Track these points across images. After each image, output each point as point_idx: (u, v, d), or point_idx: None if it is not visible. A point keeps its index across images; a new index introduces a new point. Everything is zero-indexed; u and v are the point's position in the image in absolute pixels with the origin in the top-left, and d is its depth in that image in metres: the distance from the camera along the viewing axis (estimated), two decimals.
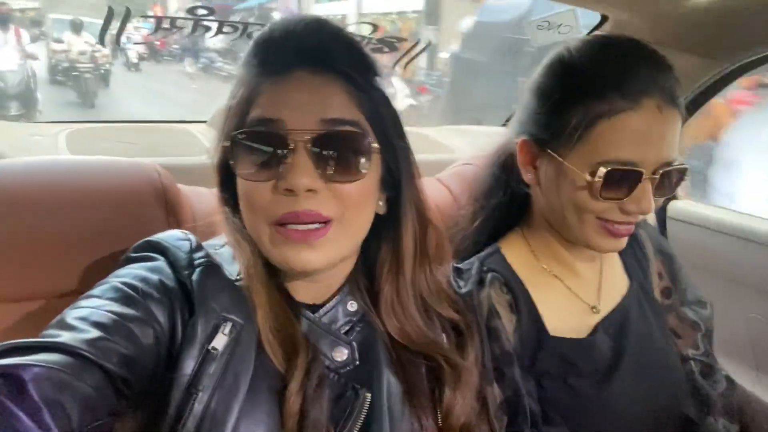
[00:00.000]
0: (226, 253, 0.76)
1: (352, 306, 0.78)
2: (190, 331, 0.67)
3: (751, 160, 3.50)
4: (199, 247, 0.75)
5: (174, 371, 0.66)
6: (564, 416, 0.91)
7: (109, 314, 0.62)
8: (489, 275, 0.95)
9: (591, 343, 0.96)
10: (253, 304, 0.71)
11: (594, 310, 0.99)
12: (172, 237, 0.76)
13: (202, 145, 1.56)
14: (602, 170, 0.84)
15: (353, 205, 0.70)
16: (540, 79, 0.94)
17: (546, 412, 0.91)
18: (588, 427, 0.92)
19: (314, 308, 0.77)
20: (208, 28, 1.14)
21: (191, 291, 0.69)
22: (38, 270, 0.89)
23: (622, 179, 0.85)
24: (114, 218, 0.92)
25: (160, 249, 0.74)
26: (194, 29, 1.13)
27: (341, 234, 0.70)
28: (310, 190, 0.67)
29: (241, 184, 0.71)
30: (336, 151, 0.68)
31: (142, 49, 12.49)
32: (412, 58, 1.26)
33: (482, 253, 1.01)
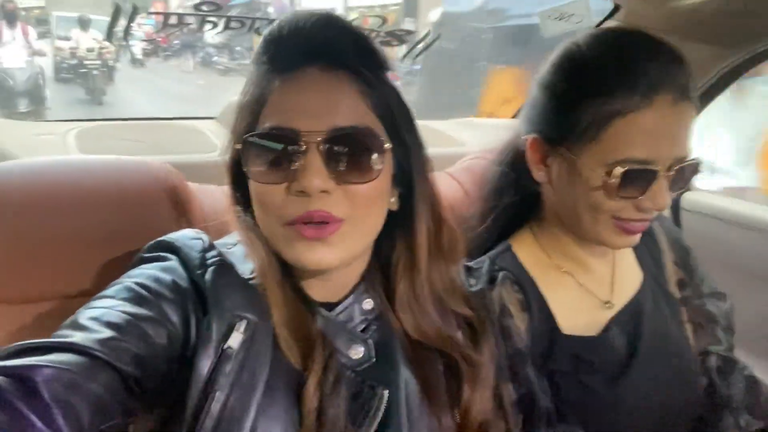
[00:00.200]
0: (238, 252, 0.76)
1: (368, 304, 0.78)
2: (205, 331, 0.67)
3: None
4: (211, 247, 0.74)
5: (190, 371, 0.66)
6: (578, 413, 0.91)
7: (122, 314, 0.62)
8: (500, 274, 0.95)
9: (604, 340, 0.95)
10: (268, 303, 0.70)
11: (607, 305, 0.98)
12: (184, 236, 0.76)
13: (211, 141, 1.55)
14: (619, 170, 0.83)
15: (365, 205, 0.70)
16: (549, 76, 0.92)
17: (560, 410, 0.90)
18: (602, 424, 0.91)
19: (329, 306, 0.76)
20: (215, 24, 1.13)
21: (204, 290, 0.69)
22: (50, 271, 0.89)
23: (639, 178, 0.84)
24: (124, 218, 0.92)
25: (173, 249, 0.74)
26: (201, 25, 1.13)
27: (353, 232, 0.70)
28: (323, 191, 0.66)
29: (253, 185, 0.71)
30: (348, 152, 0.67)
31: (144, 45, 12.57)
32: (422, 51, 1.25)
33: (493, 252, 1.00)
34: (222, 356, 0.66)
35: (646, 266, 1.04)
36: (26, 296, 0.88)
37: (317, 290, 0.76)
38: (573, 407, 0.91)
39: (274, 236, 0.71)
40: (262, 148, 0.68)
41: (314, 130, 0.66)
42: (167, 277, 0.69)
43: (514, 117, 1.71)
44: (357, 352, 0.74)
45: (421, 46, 1.28)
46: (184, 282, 0.70)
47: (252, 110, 0.71)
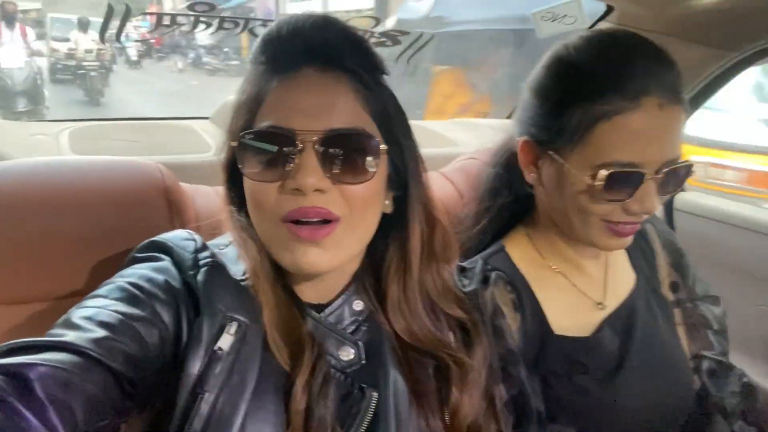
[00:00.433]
0: (230, 253, 0.76)
1: (358, 305, 0.78)
2: (196, 332, 0.67)
3: None
4: (204, 247, 0.75)
5: (180, 371, 0.66)
6: (569, 414, 0.91)
7: (115, 314, 0.63)
8: (493, 274, 0.95)
9: (596, 342, 0.95)
10: (259, 304, 0.71)
11: (600, 306, 0.98)
12: (177, 237, 0.76)
13: (205, 141, 1.55)
14: (603, 173, 0.82)
15: (361, 205, 0.70)
16: (539, 79, 0.93)
17: (552, 411, 0.90)
18: (594, 425, 0.92)
19: (320, 308, 0.76)
20: (209, 24, 1.13)
21: (196, 291, 0.69)
22: (42, 272, 0.89)
23: (624, 181, 0.83)
24: (117, 218, 0.92)
25: (165, 249, 0.74)
26: (195, 25, 1.13)
27: (348, 234, 0.70)
28: (317, 190, 0.66)
29: (248, 184, 0.71)
30: (343, 153, 0.68)
31: (139, 46, 12.71)
32: (415, 52, 1.25)
33: (486, 252, 1.00)
34: (212, 357, 0.66)
35: (639, 268, 1.04)
36: (19, 297, 0.88)
37: (308, 291, 0.76)
38: (565, 408, 0.91)
39: (268, 237, 0.71)
40: (258, 146, 0.69)
41: (310, 129, 0.67)
42: (160, 277, 0.69)
43: (508, 117, 1.71)
44: (347, 353, 0.74)
45: (415, 46, 1.28)
46: (176, 282, 0.70)
47: (249, 109, 0.72)
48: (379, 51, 0.77)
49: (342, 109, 0.69)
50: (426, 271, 0.80)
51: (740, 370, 1.05)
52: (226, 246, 0.78)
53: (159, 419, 0.67)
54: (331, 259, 0.69)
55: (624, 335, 0.96)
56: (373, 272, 0.81)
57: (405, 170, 0.76)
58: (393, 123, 0.74)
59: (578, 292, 0.99)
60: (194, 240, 0.75)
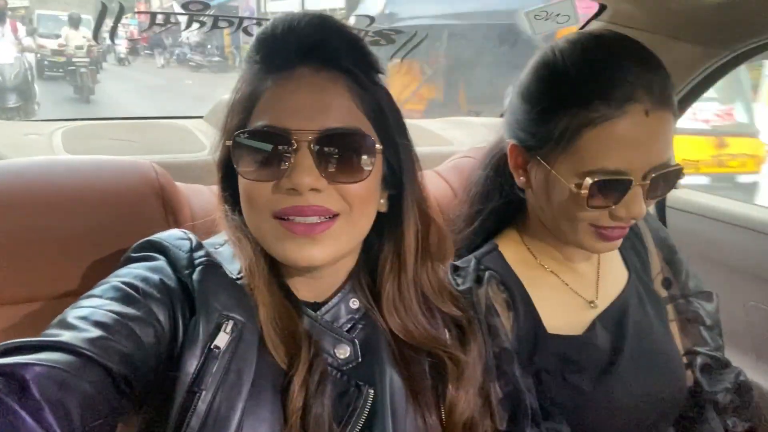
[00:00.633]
0: (226, 252, 0.76)
1: (354, 303, 0.78)
2: (192, 331, 0.68)
3: None
4: (199, 246, 0.75)
5: (176, 370, 0.66)
6: (563, 411, 0.91)
7: (110, 314, 0.63)
8: (486, 273, 0.95)
9: (589, 340, 0.95)
10: (255, 302, 0.71)
11: (592, 305, 0.99)
12: (172, 236, 0.76)
13: (199, 141, 1.54)
14: (588, 181, 0.82)
15: (359, 202, 0.70)
16: (526, 83, 0.92)
17: (545, 408, 0.91)
18: (588, 422, 0.92)
19: (316, 306, 0.77)
20: (203, 23, 1.13)
21: (192, 290, 0.69)
22: (37, 272, 0.89)
23: (611, 188, 0.83)
24: (112, 218, 0.92)
25: (161, 248, 0.74)
26: (189, 24, 1.13)
27: (345, 230, 0.71)
28: (313, 189, 0.67)
29: (243, 182, 0.71)
30: (338, 152, 0.68)
31: (127, 43, 12.87)
32: (409, 51, 1.25)
33: (479, 251, 1.00)
34: (208, 356, 0.67)
35: (631, 265, 1.05)
36: (14, 297, 0.88)
37: (304, 289, 0.76)
38: (558, 405, 0.92)
39: (262, 232, 0.71)
40: (253, 145, 0.69)
41: (306, 129, 0.67)
42: (155, 276, 0.69)
43: (501, 116, 1.71)
44: (343, 351, 0.74)
45: (410, 44, 1.28)
46: (171, 282, 0.70)
47: (243, 108, 0.72)
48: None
49: (337, 108, 0.69)
50: (421, 270, 0.80)
51: (737, 368, 1.05)
52: (222, 245, 0.78)
53: (155, 418, 0.67)
54: (325, 254, 0.69)
55: (616, 333, 0.97)
56: (368, 270, 0.81)
57: (400, 169, 0.76)
58: (388, 122, 0.74)
59: (570, 291, 0.99)
60: (189, 239, 0.75)
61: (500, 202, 1.03)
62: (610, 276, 1.03)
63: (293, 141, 0.66)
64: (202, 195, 1.01)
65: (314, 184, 0.66)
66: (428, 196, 0.82)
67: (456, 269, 0.96)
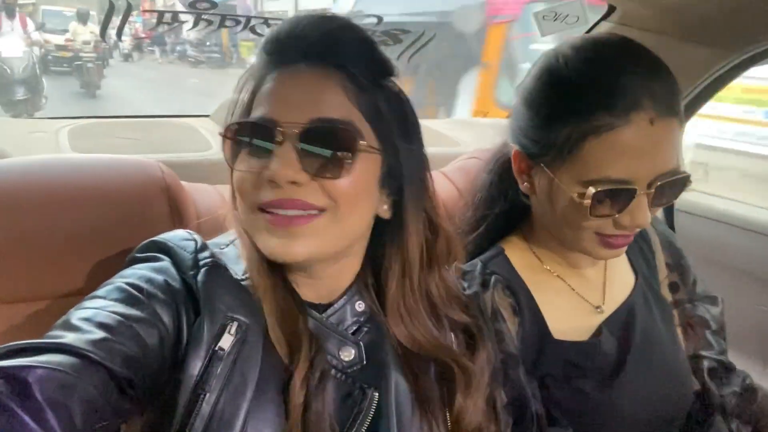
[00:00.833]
0: (231, 253, 0.76)
1: (360, 306, 0.78)
2: (196, 332, 0.67)
3: None
4: (204, 247, 0.74)
5: (181, 372, 0.66)
6: (569, 417, 0.91)
7: (114, 315, 0.62)
8: (492, 278, 0.94)
9: (595, 346, 0.95)
10: (260, 303, 0.70)
11: (598, 310, 0.98)
12: (176, 237, 0.75)
13: (205, 139, 1.55)
14: (591, 190, 0.81)
15: (346, 199, 0.68)
16: (529, 88, 0.90)
17: (551, 413, 0.90)
18: (594, 427, 0.92)
19: (322, 308, 0.76)
20: (210, 22, 1.13)
21: (196, 291, 0.69)
22: (42, 271, 0.89)
23: (614, 197, 0.82)
24: (117, 217, 0.92)
25: (165, 249, 0.74)
26: (197, 23, 1.13)
27: (329, 227, 0.69)
28: (294, 183, 0.66)
29: (234, 175, 0.71)
30: (321, 146, 0.67)
31: (130, 40, 13.16)
32: (417, 50, 1.25)
33: (485, 255, 0.99)
34: (213, 357, 0.66)
35: (638, 268, 1.04)
36: (19, 295, 0.88)
37: (307, 290, 0.76)
38: (564, 411, 0.91)
39: (248, 225, 0.71)
40: (240, 138, 0.69)
41: (292, 121, 0.66)
42: (159, 277, 0.69)
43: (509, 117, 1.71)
44: (348, 354, 0.74)
45: (416, 45, 1.28)
46: (176, 283, 0.70)
47: (244, 103, 0.72)
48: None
49: (326, 102, 0.68)
50: (430, 279, 0.79)
51: (743, 372, 1.05)
52: (227, 246, 0.77)
53: (159, 420, 0.67)
54: (304, 249, 0.68)
55: (623, 338, 0.96)
56: (374, 275, 0.80)
57: (400, 174, 0.74)
58: (387, 124, 0.73)
59: (576, 295, 0.99)
60: (194, 240, 0.75)
61: (505, 207, 1.02)
62: (617, 280, 1.02)
63: (278, 133, 0.66)
64: (208, 194, 1.01)
65: (293, 176, 0.65)
66: (438, 204, 0.80)
67: (462, 273, 0.96)
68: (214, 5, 1.08)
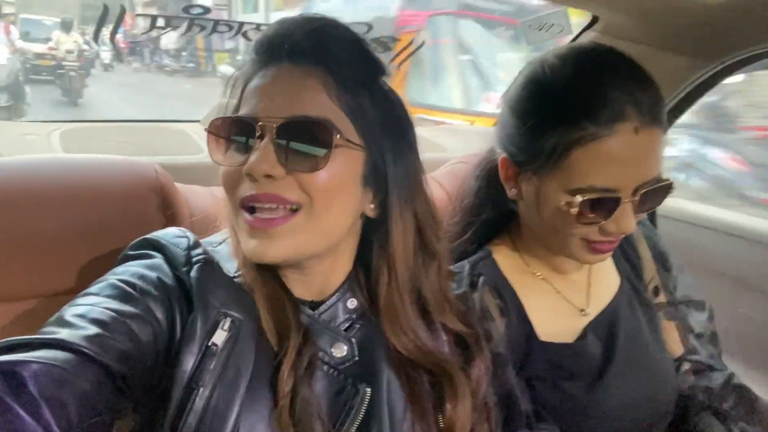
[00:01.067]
0: (223, 250, 0.77)
1: (352, 303, 0.78)
2: (189, 328, 0.68)
3: None
4: (196, 245, 0.75)
5: (174, 368, 0.66)
6: (555, 417, 0.92)
7: (108, 311, 0.63)
8: (480, 279, 0.95)
9: (580, 348, 0.96)
10: (252, 300, 0.71)
11: (583, 312, 0.99)
12: (169, 234, 0.76)
13: (196, 144, 1.55)
14: (578, 198, 0.83)
15: (320, 194, 0.69)
16: (515, 97, 0.91)
17: (537, 411, 0.91)
18: (579, 428, 0.93)
19: (315, 305, 0.77)
20: (202, 27, 1.14)
21: (189, 288, 0.70)
22: (35, 269, 0.88)
23: (600, 205, 0.83)
24: (111, 216, 0.92)
25: (158, 246, 0.74)
26: (189, 28, 1.13)
27: (305, 226, 0.69)
28: (269, 176, 0.67)
29: (220, 171, 0.72)
30: (297, 141, 0.68)
31: (110, 49, 13.19)
32: (407, 57, 1.27)
33: (473, 257, 1.00)
34: (206, 353, 0.67)
35: (623, 271, 1.06)
36: (13, 294, 0.88)
37: (300, 288, 0.76)
38: (551, 411, 0.92)
39: (234, 225, 0.72)
40: (224, 132, 0.71)
41: (270, 116, 0.68)
42: (152, 274, 0.69)
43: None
44: (340, 350, 0.74)
45: (408, 50, 1.30)
46: (169, 279, 0.70)
47: (233, 103, 0.74)
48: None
49: (305, 99, 0.69)
50: (420, 281, 0.78)
51: (729, 372, 1.06)
52: (219, 243, 0.78)
53: (153, 415, 0.67)
54: (281, 251, 0.68)
55: (607, 340, 0.97)
56: (365, 275, 0.80)
57: (385, 172, 0.75)
58: (372, 122, 0.73)
59: (562, 298, 1.00)
60: (186, 237, 0.76)
61: (492, 213, 1.03)
62: (602, 283, 1.03)
63: (258, 128, 0.67)
64: (201, 195, 1.02)
65: (269, 170, 0.66)
66: (434, 207, 0.80)
67: (450, 274, 0.96)
68: (207, 10, 1.10)
